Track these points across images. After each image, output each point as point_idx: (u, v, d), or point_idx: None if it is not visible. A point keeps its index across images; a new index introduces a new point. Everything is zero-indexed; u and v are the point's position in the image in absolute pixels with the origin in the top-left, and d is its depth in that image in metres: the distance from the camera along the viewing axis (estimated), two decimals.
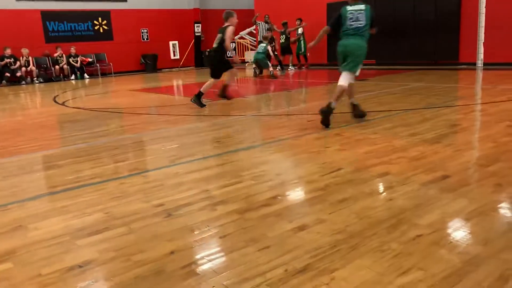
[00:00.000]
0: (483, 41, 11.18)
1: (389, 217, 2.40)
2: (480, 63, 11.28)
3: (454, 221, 2.37)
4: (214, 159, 3.93)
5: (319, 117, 4.93)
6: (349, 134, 4.58)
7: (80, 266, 2.02)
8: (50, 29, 16.38)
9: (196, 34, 19.83)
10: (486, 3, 10.90)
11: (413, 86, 8.55)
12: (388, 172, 3.18)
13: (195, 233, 2.34)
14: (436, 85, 8.51)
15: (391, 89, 8.28)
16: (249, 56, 19.03)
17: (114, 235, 2.36)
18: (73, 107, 8.33)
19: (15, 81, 14.76)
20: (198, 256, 2.11)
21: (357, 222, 2.37)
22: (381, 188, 2.97)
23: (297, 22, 14.48)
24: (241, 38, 19.50)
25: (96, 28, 17.36)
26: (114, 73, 17.29)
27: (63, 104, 8.89)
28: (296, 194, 3.00)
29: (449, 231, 2.27)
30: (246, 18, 19.24)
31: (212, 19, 20.18)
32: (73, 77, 15.96)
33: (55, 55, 15.77)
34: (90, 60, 16.76)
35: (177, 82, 13.68)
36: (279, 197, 2.84)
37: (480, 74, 10.18)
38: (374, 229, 2.26)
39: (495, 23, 10.83)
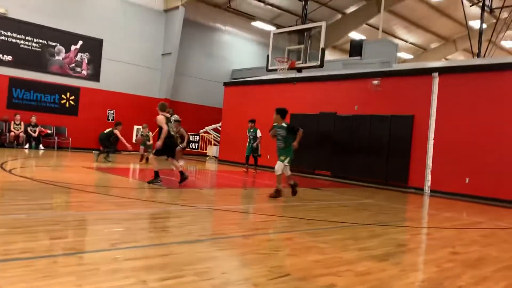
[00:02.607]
0: (430, 169, 11.96)
1: None
2: (427, 189, 11.94)
3: None
4: (158, 249, 3.75)
5: (270, 217, 4.91)
6: (300, 240, 4.55)
7: None
8: (15, 95, 16.23)
9: None
10: (435, 133, 11.89)
11: (364, 202, 8.84)
12: (335, 284, 3.13)
13: None
14: (386, 204, 8.83)
15: (343, 202, 8.50)
16: (211, 150, 19.37)
17: None
18: (20, 176, 7.94)
19: None
20: None
21: None
22: None
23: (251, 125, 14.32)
24: (206, 132, 19.98)
25: (62, 102, 17.36)
26: (72, 148, 16.94)
27: (9, 171, 8.48)
28: None
29: None
30: (215, 115, 20.00)
31: (181, 111, 20.78)
32: (27, 146, 15.48)
33: (13, 121, 15.43)
34: (49, 131, 16.48)
35: (134, 165, 13.50)
36: None
37: (427, 199, 10.72)
38: None
39: (443, 152, 11.72)
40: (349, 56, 18.55)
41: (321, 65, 12.24)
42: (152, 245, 3.85)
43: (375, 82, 13.28)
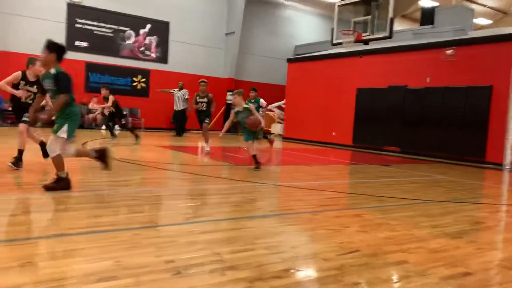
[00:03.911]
0: (510, 143, 11.15)
1: None
2: (507, 164, 11.17)
3: None
4: (230, 223, 3.90)
5: (338, 194, 4.89)
6: (369, 217, 4.50)
7: None
8: (91, 79, 17.31)
9: (228, 101, 20.56)
10: None
11: (437, 178, 8.48)
12: (406, 261, 3.08)
13: None
14: (460, 180, 8.41)
15: (414, 178, 8.22)
16: (275, 128, 19.46)
17: (122, 285, 2.32)
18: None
19: (49, 124, 15.38)
20: None
21: None
22: (397, 276, 2.86)
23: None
24: (270, 110, 20.05)
25: (134, 84, 18.26)
26: (145, 128, 17.84)
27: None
28: (309, 270, 2.91)
29: None
30: (278, 93, 19.99)
31: (245, 90, 21.00)
32: (103, 127, 16.52)
33: (90, 104, 16.51)
34: (124, 113, 17.41)
35: (203, 143, 13.94)
36: (291, 271, 2.76)
37: (506, 175, 10.04)
38: None
39: None
40: (420, 25, 17.57)
41: (389, 36, 11.72)
42: (224, 219, 4.01)
43: (449, 52, 12.49)
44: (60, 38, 16.44)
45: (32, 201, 4.26)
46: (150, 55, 18.68)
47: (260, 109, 11.50)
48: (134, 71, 18.25)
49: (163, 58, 18.98)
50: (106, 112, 12.71)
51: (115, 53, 17.77)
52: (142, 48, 18.46)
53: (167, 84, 18.73)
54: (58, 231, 3.34)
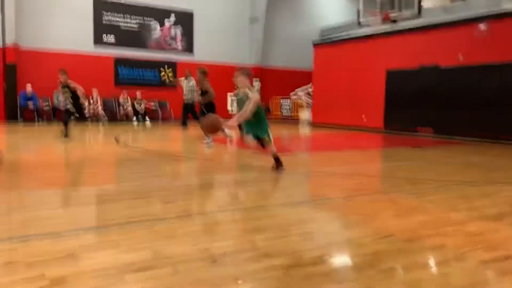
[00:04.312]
0: None
1: None
2: None
3: None
4: (262, 211, 3.92)
5: (370, 179, 4.82)
6: (403, 201, 4.43)
7: None
8: (120, 74, 17.63)
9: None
10: None
11: (472, 159, 8.23)
12: (443, 245, 3.02)
13: (238, 282, 2.31)
14: (497, 160, 8.14)
15: (449, 159, 8.01)
16: (303, 114, 19.32)
17: (160, 274, 2.38)
18: (133, 147, 8.73)
19: (82, 119, 15.82)
20: None
21: None
22: (434, 261, 2.81)
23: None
24: (296, 95, 19.92)
25: (162, 76, 18.48)
26: (176, 119, 18.09)
27: (124, 144, 9.35)
28: (344, 256, 2.90)
29: None
30: (305, 78, 19.80)
31: (271, 76, 20.91)
32: (135, 120, 16.85)
33: (121, 98, 16.85)
34: (153, 107, 17.68)
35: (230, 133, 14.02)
36: (326, 257, 2.76)
37: None
38: None
39: None
40: (450, 1, 16.91)
41: (418, 14, 11.36)
42: (256, 207, 4.03)
43: (482, 26, 11.99)
44: (88, 34, 16.81)
45: (70, 194, 4.41)
46: (176, 46, 18.83)
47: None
48: (161, 63, 18.45)
49: (189, 48, 19.09)
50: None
51: (142, 46, 18.01)
52: (168, 39, 18.62)
53: (193, 74, 18.85)
54: (97, 223, 3.45)
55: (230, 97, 19.89)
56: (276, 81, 21.02)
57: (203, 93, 9.26)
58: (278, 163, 5.80)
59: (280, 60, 21.29)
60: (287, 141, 11.97)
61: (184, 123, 12.85)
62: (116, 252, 2.71)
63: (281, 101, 20.79)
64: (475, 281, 2.43)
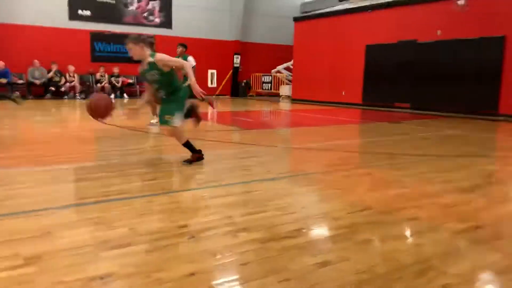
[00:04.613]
0: None
1: (416, 262, 2.32)
2: None
3: (485, 274, 2.27)
4: (240, 187, 3.93)
5: (348, 154, 4.88)
6: (380, 175, 4.50)
7: (101, 278, 2.03)
8: (97, 49, 17.16)
9: (235, 65, 20.32)
10: None
11: (448, 133, 8.39)
12: (418, 217, 3.09)
13: (216, 257, 2.33)
14: (473, 134, 8.32)
15: (425, 134, 8.15)
16: (283, 90, 19.28)
17: (137, 251, 2.37)
18: (109, 124, 8.58)
19: (58, 95, 15.44)
20: (217, 281, 2.09)
21: (382, 263, 2.30)
22: (409, 232, 2.88)
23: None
24: (278, 72, 19.82)
25: None
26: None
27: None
28: (321, 229, 2.95)
29: (480, 283, 2.17)
30: (284, 53, 19.65)
31: (251, 51, 20.69)
32: (112, 96, 16.52)
33: (98, 74, 16.46)
34: (130, 81, 17.36)
35: (210, 109, 13.92)
36: (303, 230, 2.80)
37: None
38: (400, 272, 2.19)
39: None
40: None
41: None
42: (234, 183, 4.04)
43: (460, 1, 12.04)
44: (63, 7, 16.23)
45: (49, 173, 4.33)
46: (153, 20, 18.37)
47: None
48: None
49: (167, 22, 18.65)
50: None
51: (119, 20, 17.50)
52: (146, 14, 18.14)
53: (172, 50, 18.51)
54: (73, 201, 3.41)
55: (210, 73, 19.68)
56: (256, 57, 20.81)
57: None
58: (194, 153, 4.69)
59: (260, 35, 21.03)
60: (266, 116, 11.96)
61: None
62: (91, 230, 2.68)
63: (262, 77, 20.66)
64: (447, 251, 2.50)
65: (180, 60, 4.58)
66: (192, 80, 4.42)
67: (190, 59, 9.59)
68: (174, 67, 4.53)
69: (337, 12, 16.10)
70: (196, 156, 4.71)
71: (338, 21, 15.93)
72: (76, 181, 4.11)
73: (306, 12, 19.99)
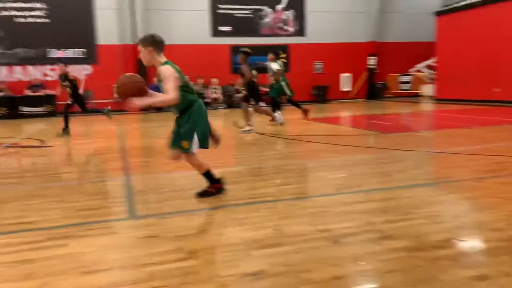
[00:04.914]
0: None
1: None
2: None
3: None
4: (382, 193, 3.82)
5: (505, 159, 4.37)
6: None
7: (253, 275, 2.20)
8: (237, 61, 18.39)
9: (370, 66, 19.77)
10: None
11: None
12: None
13: (360, 263, 2.32)
14: None
15: None
16: (426, 90, 18.05)
17: (284, 252, 2.50)
18: (248, 132, 9.11)
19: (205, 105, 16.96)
20: (363, 287, 2.09)
21: None
22: None
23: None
24: (418, 71, 18.66)
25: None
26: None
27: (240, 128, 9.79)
28: (475, 241, 2.71)
29: None
30: (425, 50, 18.42)
31: (387, 51, 19.87)
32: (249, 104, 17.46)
33: (237, 84, 17.63)
34: (266, 89, 18.14)
35: (347, 113, 13.76)
36: (454, 241, 2.61)
37: None
38: None
39: None
40: None
41: None
42: (376, 189, 3.95)
43: None
44: (206, 26, 17.82)
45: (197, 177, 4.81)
46: (288, 30, 18.97)
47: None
48: (274, 48, 18.77)
49: (300, 31, 19.09)
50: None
51: (256, 33, 18.52)
52: (280, 24, 18.84)
53: (305, 57, 18.83)
54: (223, 202, 3.73)
55: (342, 77, 19.49)
56: (393, 57, 19.91)
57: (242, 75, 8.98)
58: (213, 183, 3.72)
59: (397, 34, 20.05)
60: (407, 118, 11.36)
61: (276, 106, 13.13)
62: (242, 229, 2.90)
63: (400, 78, 19.68)
64: None
65: (168, 87, 3.44)
66: (147, 102, 3.49)
67: (275, 66, 9.84)
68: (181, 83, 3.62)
69: (488, 1, 14.50)
70: (216, 187, 3.73)
71: (487, 11, 14.35)
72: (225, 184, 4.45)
73: (447, 6, 18.45)
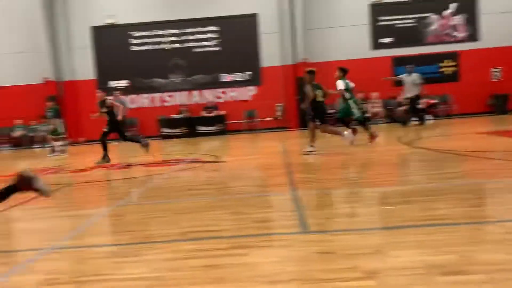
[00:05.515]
0: None
1: None
2: None
3: None
4: None
5: None
6: None
7: None
8: (398, 73, 17.55)
9: None
10: None
11: None
12: None
13: None
14: None
15: None
16: None
17: (470, 280, 2.26)
18: (417, 147, 8.57)
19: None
20: None
21: None
22: None
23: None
24: None
25: (442, 69, 17.44)
26: (458, 114, 16.75)
27: (407, 143, 9.29)
28: None
29: None
30: None
31: None
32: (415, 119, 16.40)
33: (399, 97, 16.78)
34: (434, 101, 16.85)
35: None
36: None
37: None
38: None
39: None
40: None
41: None
42: None
43: None
44: (365, 39, 17.53)
45: (364, 195, 4.70)
46: (457, 36, 17.42)
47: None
48: (440, 56, 17.42)
49: (472, 35, 17.32)
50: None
51: (420, 42, 17.49)
52: (448, 30, 17.43)
53: (479, 63, 16.98)
54: (398, 223, 3.56)
55: None
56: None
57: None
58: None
59: None
60: None
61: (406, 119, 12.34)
62: (421, 252, 2.72)
63: None
64: None
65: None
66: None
67: (340, 84, 9.16)
68: None
69: None
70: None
71: None
72: (395, 204, 4.25)
73: None
